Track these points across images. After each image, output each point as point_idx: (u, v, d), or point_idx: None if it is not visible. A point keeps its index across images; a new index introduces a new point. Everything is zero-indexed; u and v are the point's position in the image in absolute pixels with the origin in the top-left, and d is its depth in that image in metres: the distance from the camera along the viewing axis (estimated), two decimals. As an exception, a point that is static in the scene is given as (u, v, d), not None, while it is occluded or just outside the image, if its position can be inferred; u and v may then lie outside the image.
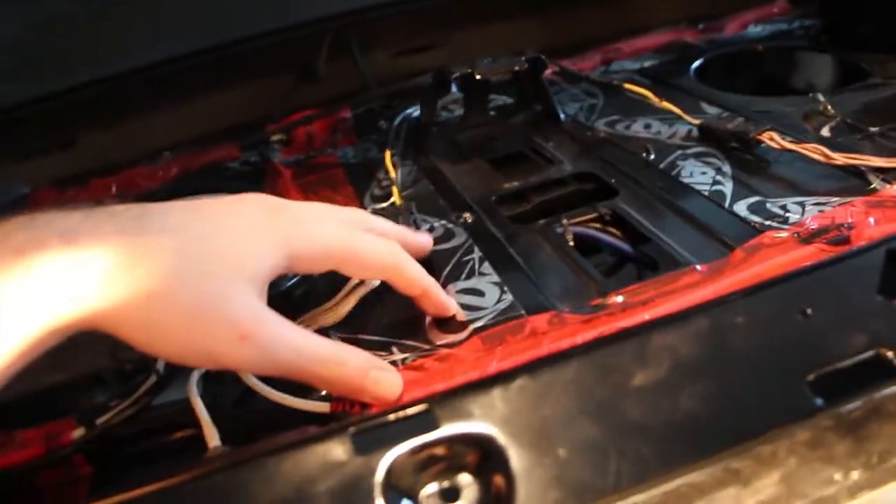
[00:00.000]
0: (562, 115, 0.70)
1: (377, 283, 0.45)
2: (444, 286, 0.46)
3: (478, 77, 0.64)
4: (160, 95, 0.80)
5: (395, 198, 0.59)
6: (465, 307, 0.44)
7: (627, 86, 0.71)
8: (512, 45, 0.85)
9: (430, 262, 0.49)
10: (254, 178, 0.70)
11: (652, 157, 0.60)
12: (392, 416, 0.29)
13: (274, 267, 0.37)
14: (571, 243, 0.52)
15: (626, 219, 0.53)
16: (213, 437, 0.38)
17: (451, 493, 0.28)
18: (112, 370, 0.46)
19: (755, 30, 0.89)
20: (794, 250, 0.44)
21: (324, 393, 0.39)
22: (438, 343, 0.42)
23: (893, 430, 0.28)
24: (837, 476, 0.28)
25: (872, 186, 0.51)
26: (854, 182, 0.52)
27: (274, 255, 0.37)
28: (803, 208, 0.50)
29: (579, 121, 0.70)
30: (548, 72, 0.72)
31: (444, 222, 0.55)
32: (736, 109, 0.66)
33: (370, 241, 0.41)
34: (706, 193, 0.54)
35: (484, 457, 0.28)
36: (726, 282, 0.43)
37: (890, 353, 0.31)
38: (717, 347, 0.31)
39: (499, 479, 0.27)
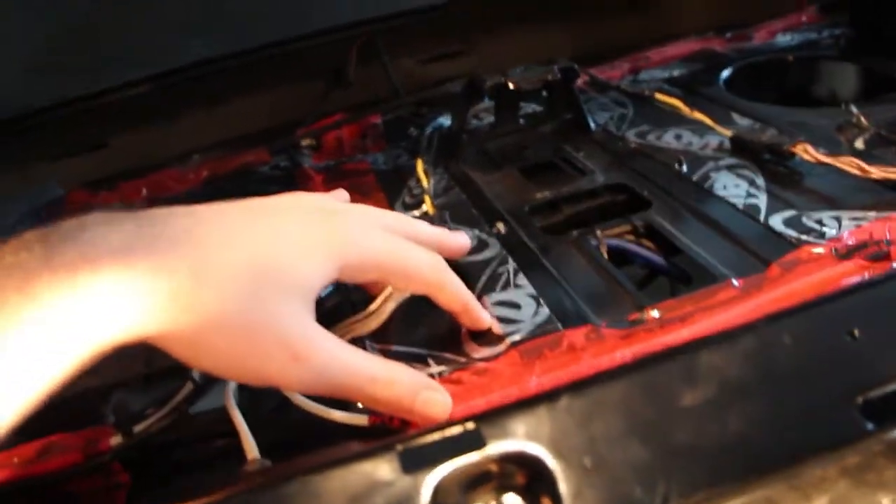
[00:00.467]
0: (592, 125, 0.70)
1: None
2: (479, 298, 0.47)
3: (510, 86, 0.64)
4: (191, 98, 0.81)
5: (428, 206, 0.59)
6: (501, 320, 0.44)
7: (658, 96, 0.71)
8: (540, 52, 0.85)
9: (465, 274, 0.49)
10: (284, 182, 0.70)
11: (684, 168, 0.60)
12: (438, 435, 0.29)
13: (324, 280, 0.37)
14: (605, 255, 0.51)
15: (660, 231, 0.53)
16: (251, 449, 0.38)
17: (498, 514, 0.28)
18: (148, 376, 0.47)
19: (784, 39, 0.88)
20: (833, 266, 0.44)
21: (362, 406, 0.40)
22: (475, 356, 0.42)
23: (945, 455, 0.28)
24: (886, 501, 0.28)
25: (910, 200, 0.50)
26: (891, 196, 0.52)
27: (325, 268, 0.37)
28: (840, 223, 0.50)
29: (610, 130, 0.70)
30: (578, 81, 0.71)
31: (476, 232, 0.55)
32: (767, 120, 0.66)
33: (417, 255, 0.41)
34: (740, 206, 0.54)
35: (532, 477, 0.28)
36: (765, 298, 0.42)
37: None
38: (764, 367, 0.31)
39: (546, 501, 0.27)
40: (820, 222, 0.50)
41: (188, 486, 0.41)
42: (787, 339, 0.32)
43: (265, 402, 0.42)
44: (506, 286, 0.48)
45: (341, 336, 0.43)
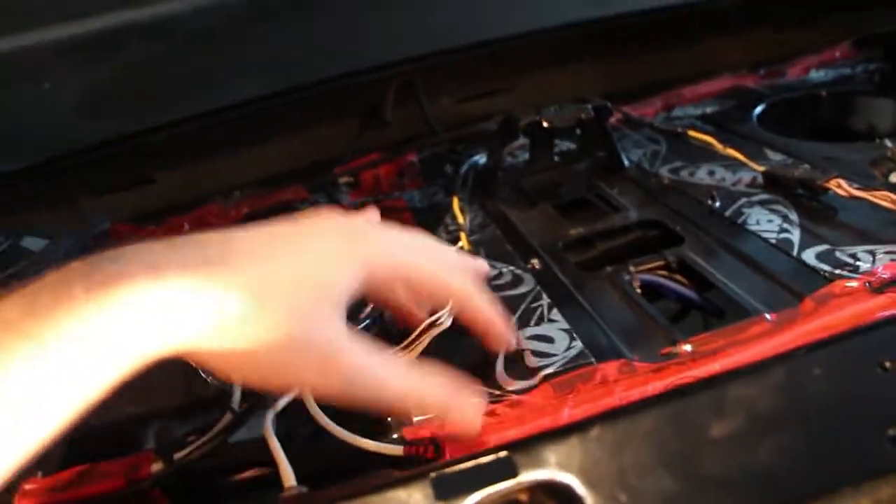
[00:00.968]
0: (626, 162, 0.71)
1: (448, 323, 0.46)
2: (513, 332, 0.47)
3: (544, 125, 0.66)
4: (234, 136, 0.83)
5: (464, 242, 0.60)
6: (535, 353, 0.45)
7: (691, 133, 0.72)
8: (575, 90, 0.86)
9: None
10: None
11: (717, 204, 0.61)
12: (472, 463, 0.30)
13: (353, 288, 0.37)
14: (639, 290, 0.52)
15: (692, 266, 0.53)
16: (289, 478, 0.39)
17: (529, 541, 0.29)
18: (188, 405, 0.48)
19: (817, 74, 0.89)
20: (867, 300, 0.44)
21: (397, 436, 0.40)
22: (509, 389, 0.43)
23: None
24: (919, 534, 0.28)
25: (944, 234, 0.50)
26: (926, 230, 0.52)
27: (354, 276, 0.37)
28: (874, 257, 0.50)
29: (643, 167, 0.71)
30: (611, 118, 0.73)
31: (511, 268, 0.56)
32: (800, 156, 0.66)
33: (442, 267, 0.42)
34: (773, 241, 0.54)
35: (563, 505, 0.29)
36: (798, 332, 0.42)
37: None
38: (795, 400, 0.31)
39: (578, 528, 0.28)
40: (854, 256, 0.50)
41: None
42: (817, 371, 0.32)
43: (301, 431, 0.43)
44: (540, 320, 0.49)
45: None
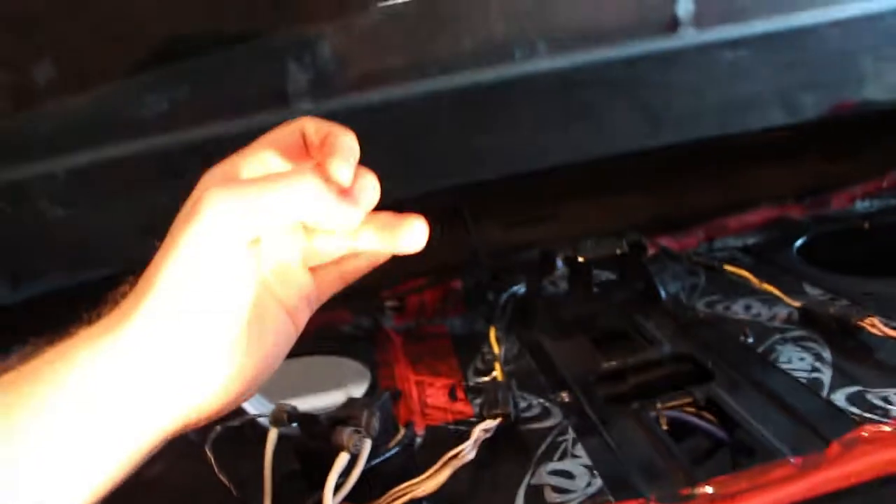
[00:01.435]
0: (663, 294, 0.72)
1: (472, 456, 0.47)
2: (536, 467, 0.49)
3: (580, 259, 0.68)
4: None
5: (497, 372, 0.62)
6: (555, 489, 0.46)
7: (727, 267, 0.73)
8: (620, 219, 0.89)
9: (526, 441, 0.52)
10: (365, 341, 0.75)
11: (750, 340, 0.61)
12: None
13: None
14: (665, 428, 0.52)
15: (720, 404, 0.54)
16: None
17: None
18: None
19: (863, 205, 0.89)
20: (892, 447, 0.44)
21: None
22: (527, 526, 0.43)
23: None
24: None
25: (981, 378, 0.50)
26: (961, 373, 0.51)
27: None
28: (906, 400, 0.49)
29: (680, 300, 0.72)
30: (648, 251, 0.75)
31: (541, 400, 0.58)
32: (839, 290, 0.66)
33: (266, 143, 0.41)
34: (804, 381, 0.54)
35: None
36: (822, 478, 0.42)
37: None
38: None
39: None
40: (886, 399, 0.50)
41: None
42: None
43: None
44: (563, 456, 0.50)
45: (399, 497, 0.46)
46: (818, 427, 0.48)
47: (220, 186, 0.36)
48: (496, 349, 0.65)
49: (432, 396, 0.62)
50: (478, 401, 0.59)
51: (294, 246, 0.42)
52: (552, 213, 0.96)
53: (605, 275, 0.80)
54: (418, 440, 0.55)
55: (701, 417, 0.54)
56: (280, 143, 0.41)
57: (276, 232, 0.40)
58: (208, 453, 0.55)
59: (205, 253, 0.35)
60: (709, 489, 0.43)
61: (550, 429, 0.53)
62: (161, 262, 0.36)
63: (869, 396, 0.51)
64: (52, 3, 0.71)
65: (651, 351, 0.63)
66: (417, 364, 0.68)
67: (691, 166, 0.97)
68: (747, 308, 0.68)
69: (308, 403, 0.58)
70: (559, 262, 0.77)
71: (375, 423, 0.48)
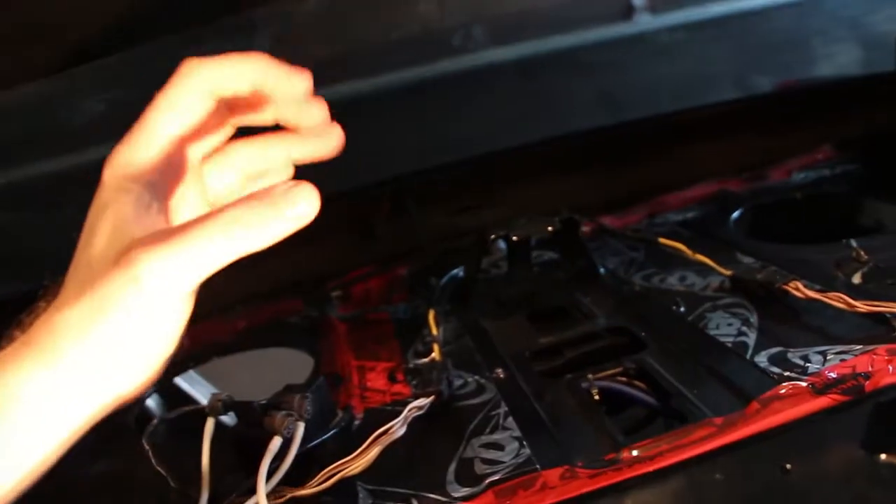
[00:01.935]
0: (601, 270, 0.73)
1: (402, 432, 0.48)
2: (468, 440, 0.49)
3: (514, 238, 0.69)
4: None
5: (436, 354, 0.62)
6: (484, 461, 0.47)
7: (662, 240, 0.74)
8: (566, 200, 0.89)
9: (459, 417, 0.52)
10: (311, 331, 0.75)
11: (682, 309, 0.62)
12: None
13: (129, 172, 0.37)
14: (597, 398, 0.54)
15: (650, 373, 0.55)
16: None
17: None
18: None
19: (798, 177, 0.91)
20: (807, 402, 0.45)
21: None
22: (455, 496, 0.44)
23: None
24: None
25: (897, 333, 0.51)
26: (879, 330, 0.53)
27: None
28: (825, 357, 0.51)
29: (618, 275, 0.73)
30: (585, 228, 0.76)
31: (477, 377, 0.58)
32: (771, 259, 0.68)
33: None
34: (729, 345, 0.55)
35: None
36: (739, 434, 0.44)
37: (869, 510, 0.31)
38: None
39: None
40: (805, 358, 0.51)
41: None
42: (718, 476, 0.33)
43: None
44: (494, 429, 0.51)
45: (332, 476, 0.46)
46: (741, 388, 0.50)
47: (154, 247, 0.34)
48: (434, 331, 0.66)
49: (372, 380, 0.63)
50: (415, 381, 0.59)
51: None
52: (498, 198, 0.97)
53: (548, 255, 0.81)
54: (356, 423, 0.56)
55: (633, 386, 0.55)
56: (183, 114, 0.38)
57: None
58: (145, 446, 0.55)
59: (139, 317, 0.34)
60: (634, 452, 0.44)
61: (484, 404, 0.54)
62: (87, 316, 0.34)
63: (790, 356, 0.52)
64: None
65: (586, 325, 0.64)
66: (359, 350, 0.69)
67: (638, 146, 0.98)
68: (682, 279, 0.69)
69: (251, 395, 0.58)
70: (501, 244, 0.78)
71: (308, 407, 0.49)
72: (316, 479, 0.46)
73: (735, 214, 0.82)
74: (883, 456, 0.36)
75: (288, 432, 0.47)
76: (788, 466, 0.33)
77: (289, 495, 0.47)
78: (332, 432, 0.52)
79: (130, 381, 0.36)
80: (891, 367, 0.47)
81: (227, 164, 0.43)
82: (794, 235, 0.78)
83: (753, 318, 0.59)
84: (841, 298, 0.55)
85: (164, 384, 0.69)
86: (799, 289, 0.58)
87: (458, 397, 0.56)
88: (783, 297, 0.60)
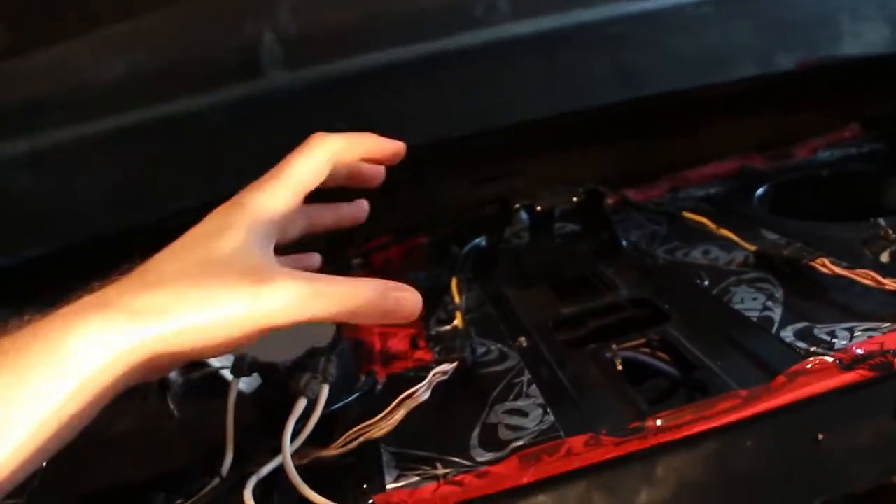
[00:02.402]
0: (624, 243, 0.73)
1: (426, 396, 0.48)
2: (491, 406, 0.50)
3: (538, 208, 0.69)
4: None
5: (458, 321, 0.63)
6: (508, 427, 0.47)
7: (686, 214, 0.74)
8: (587, 173, 0.89)
9: (482, 383, 0.53)
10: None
11: (706, 283, 0.62)
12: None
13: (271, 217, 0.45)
14: (620, 368, 0.54)
15: (674, 344, 0.55)
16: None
17: None
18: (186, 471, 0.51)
19: (824, 154, 0.90)
20: (834, 377, 0.45)
21: (373, 501, 0.42)
22: (479, 460, 0.44)
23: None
24: None
25: (925, 312, 0.51)
26: (907, 308, 0.52)
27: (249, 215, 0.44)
28: (852, 334, 0.50)
29: (641, 247, 0.73)
30: (611, 200, 0.75)
31: (499, 346, 0.59)
32: (796, 235, 0.67)
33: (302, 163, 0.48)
34: (755, 319, 0.55)
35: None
36: (765, 406, 0.44)
37: (899, 481, 0.31)
38: (726, 470, 0.33)
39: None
40: (832, 334, 0.51)
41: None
42: (749, 444, 0.33)
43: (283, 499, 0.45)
44: (518, 396, 0.51)
45: (356, 438, 0.47)
46: (766, 362, 0.50)
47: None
48: (457, 299, 0.66)
49: (394, 346, 0.63)
50: (437, 348, 0.59)
51: None
52: (520, 168, 0.96)
53: (570, 227, 0.81)
54: (379, 387, 0.56)
55: (656, 357, 0.55)
56: (316, 177, 0.49)
57: None
58: (170, 404, 0.55)
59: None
60: (658, 422, 0.44)
61: (507, 371, 0.54)
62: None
63: (816, 331, 0.52)
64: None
65: (609, 296, 0.64)
66: (381, 318, 0.69)
67: (659, 120, 0.97)
68: (706, 253, 0.69)
69: (274, 358, 0.58)
70: (523, 214, 0.77)
71: (332, 369, 0.49)
72: (340, 440, 0.47)
73: (759, 191, 0.82)
74: (915, 429, 0.36)
75: (312, 393, 0.47)
76: (820, 437, 0.33)
77: (313, 455, 0.47)
78: (355, 395, 0.53)
79: None
80: (919, 345, 0.47)
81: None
82: (820, 213, 0.77)
83: (779, 294, 0.59)
84: (869, 275, 0.55)
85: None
86: (826, 265, 0.58)
87: (481, 364, 0.56)
88: (809, 273, 0.59)
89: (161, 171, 0.78)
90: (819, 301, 0.57)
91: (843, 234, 0.66)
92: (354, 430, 0.47)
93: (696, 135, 0.99)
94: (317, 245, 0.87)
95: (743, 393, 0.46)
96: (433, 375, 0.50)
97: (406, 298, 0.43)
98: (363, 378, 0.55)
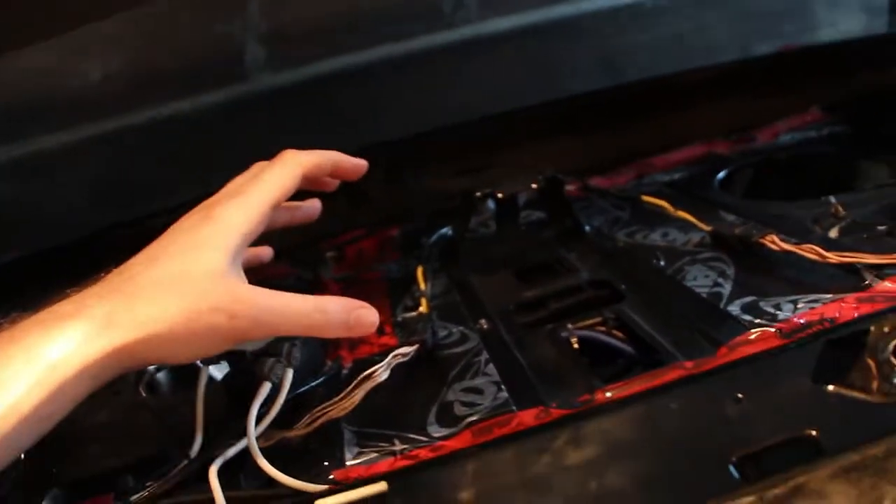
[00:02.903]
0: (587, 228, 0.75)
1: (385, 377, 0.50)
2: (449, 385, 0.52)
3: (499, 196, 0.71)
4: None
5: (423, 307, 0.64)
6: (464, 404, 0.49)
7: (645, 197, 0.76)
8: (564, 162, 0.91)
9: (442, 363, 0.54)
10: (304, 292, 0.77)
11: (662, 263, 0.64)
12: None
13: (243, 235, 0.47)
14: (576, 346, 0.56)
15: (628, 323, 0.57)
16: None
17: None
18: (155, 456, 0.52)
19: (785, 138, 0.92)
20: (772, 345, 0.47)
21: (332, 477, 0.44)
22: (435, 436, 0.46)
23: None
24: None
25: (867, 283, 0.53)
26: (851, 280, 0.54)
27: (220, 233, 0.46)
28: (795, 306, 0.52)
29: (603, 232, 0.75)
30: (571, 188, 0.77)
31: (461, 328, 0.61)
32: (751, 215, 0.69)
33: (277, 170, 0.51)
34: (704, 295, 0.57)
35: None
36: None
37: (814, 432, 0.33)
38: (651, 431, 0.35)
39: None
40: (777, 306, 0.53)
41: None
42: (674, 405, 0.35)
43: (250, 482, 0.47)
44: (475, 375, 0.53)
45: (318, 419, 0.49)
46: (713, 334, 0.52)
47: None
48: (422, 286, 0.68)
49: (362, 334, 0.65)
50: (401, 333, 0.61)
51: None
52: (489, 161, 0.98)
53: (536, 215, 0.83)
54: (345, 372, 0.58)
55: (611, 335, 0.57)
56: (284, 191, 0.51)
57: None
58: (141, 392, 0.57)
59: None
60: (608, 394, 0.46)
61: (466, 352, 0.56)
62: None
63: (762, 304, 0.54)
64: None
65: (569, 279, 0.66)
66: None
67: (629, 109, 0.99)
68: (664, 235, 0.71)
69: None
70: (490, 204, 0.79)
71: (296, 354, 0.51)
72: (303, 421, 0.49)
73: (720, 175, 0.84)
74: (830, 387, 0.38)
75: (276, 377, 0.49)
76: (740, 396, 0.35)
77: (278, 437, 0.49)
78: (321, 379, 0.55)
79: None
80: (856, 314, 0.49)
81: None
82: (779, 195, 0.79)
83: (730, 271, 0.61)
84: (813, 250, 0.57)
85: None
86: (775, 242, 0.60)
87: (442, 346, 0.58)
88: (759, 250, 0.61)
89: (141, 171, 0.80)
90: (767, 276, 0.59)
91: (795, 212, 0.68)
92: (315, 410, 0.49)
93: (668, 121, 1.01)
94: (290, 239, 0.90)
95: (688, 364, 0.48)
96: (392, 357, 0.51)
97: (365, 315, 0.46)
98: (329, 363, 0.57)
